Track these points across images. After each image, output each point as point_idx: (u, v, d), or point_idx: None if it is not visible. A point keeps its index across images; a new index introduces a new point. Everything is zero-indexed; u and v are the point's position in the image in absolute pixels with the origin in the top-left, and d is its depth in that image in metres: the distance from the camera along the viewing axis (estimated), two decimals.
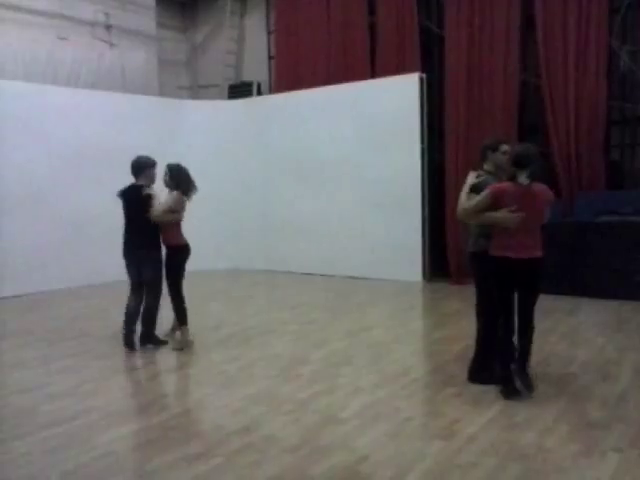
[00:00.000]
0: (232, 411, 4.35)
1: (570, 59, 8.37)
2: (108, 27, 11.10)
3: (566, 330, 6.11)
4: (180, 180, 5.88)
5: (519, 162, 4.26)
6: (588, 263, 7.75)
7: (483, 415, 4.07)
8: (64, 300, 8.64)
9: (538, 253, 4.35)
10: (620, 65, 8.18)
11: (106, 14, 11.04)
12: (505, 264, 4.31)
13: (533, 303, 4.42)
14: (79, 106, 9.62)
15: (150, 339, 6.00)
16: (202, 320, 7.15)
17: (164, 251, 5.91)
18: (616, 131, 8.74)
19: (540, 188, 4.35)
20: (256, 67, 12.20)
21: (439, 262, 9.58)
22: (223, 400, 4.59)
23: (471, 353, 4.91)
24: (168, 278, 5.92)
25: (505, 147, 4.67)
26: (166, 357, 5.66)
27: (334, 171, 10.08)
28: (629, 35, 8.33)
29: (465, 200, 4.46)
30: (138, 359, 5.56)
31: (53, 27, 10.33)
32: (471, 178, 4.57)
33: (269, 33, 11.94)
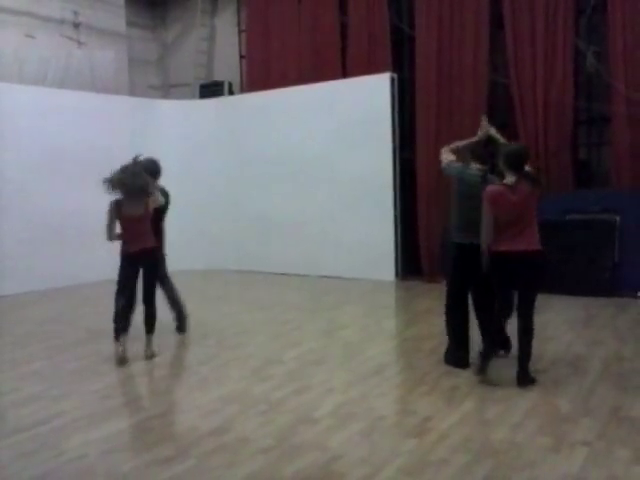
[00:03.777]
0: (205, 412, 4.33)
1: (538, 59, 8.50)
2: (76, 25, 10.92)
3: (536, 326, 6.18)
4: None
5: (513, 164, 4.43)
6: (557, 260, 7.87)
7: (455, 412, 4.11)
8: (36, 302, 8.49)
9: (535, 246, 4.50)
10: (586, 65, 8.32)
11: (74, 12, 10.86)
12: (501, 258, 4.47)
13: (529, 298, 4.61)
14: (47, 105, 9.45)
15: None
16: (173, 321, 7.09)
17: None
18: (583, 131, 8.90)
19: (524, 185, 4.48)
20: (227, 66, 12.12)
21: (412, 261, 9.64)
22: (196, 401, 4.56)
23: (442, 349, 4.98)
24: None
25: None
26: (138, 359, 5.59)
27: (306, 171, 10.07)
28: (594, 36, 8.49)
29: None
30: (110, 362, 5.48)
31: (19, 25, 10.13)
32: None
33: (240, 32, 11.87)
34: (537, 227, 4.54)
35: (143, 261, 5.52)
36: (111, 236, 5.41)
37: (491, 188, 4.49)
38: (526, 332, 4.62)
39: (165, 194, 6.00)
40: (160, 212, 5.96)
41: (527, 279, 4.54)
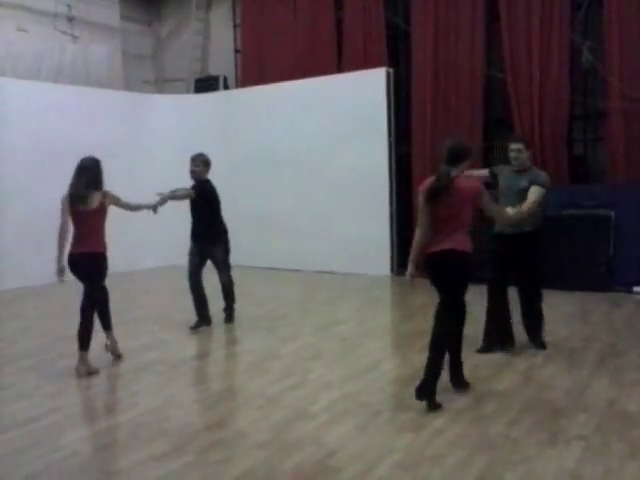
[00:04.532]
0: (202, 408, 4.32)
1: (534, 54, 8.50)
2: (70, 19, 10.86)
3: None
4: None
5: (454, 158, 4.16)
6: (553, 255, 7.88)
7: (451, 407, 4.11)
8: (31, 297, 8.45)
9: (452, 245, 4.14)
10: (582, 61, 8.32)
11: (68, 6, 10.79)
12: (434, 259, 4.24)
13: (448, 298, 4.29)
14: (40, 100, 9.40)
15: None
16: (171, 316, 7.08)
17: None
18: (578, 126, 8.90)
19: (465, 184, 4.15)
20: (222, 61, 12.08)
21: (407, 256, 9.59)
22: (193, 397, 4.55)
23: None
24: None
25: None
26: (133, 355, 5.57)
27: (302, 165, 10.06)
28: (590, 31, 8.48)
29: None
30: (104, 358, 5.46)
31: (12, 18, 10.06)
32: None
33: (235, 26, 11.83)
34: (467, 231, 4.20)
35: (82, 265, 5.04)
36: (62, 233, 5.02)
37: (427, 181, 4.26)
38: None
39: (203, 188, 6.25)
40: (206, 205, 6.26)
41: (444, 280, 4.25)
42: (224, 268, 6.61)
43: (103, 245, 5.18)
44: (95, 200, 5.05)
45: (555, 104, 8.43)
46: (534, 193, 5.00)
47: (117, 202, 5.26)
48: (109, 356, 5.42)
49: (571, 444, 3.52)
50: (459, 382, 4.43)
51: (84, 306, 5.09)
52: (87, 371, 5.00)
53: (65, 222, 5.05)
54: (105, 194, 5.14)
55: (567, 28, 8.37)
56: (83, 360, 5.00)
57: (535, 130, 8.50)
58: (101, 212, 5.12)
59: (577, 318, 6.59)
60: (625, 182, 7.96)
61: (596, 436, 3.62)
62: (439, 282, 4.31)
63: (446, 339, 4.28)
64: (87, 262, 5.06)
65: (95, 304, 5.18)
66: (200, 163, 6.41)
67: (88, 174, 5.08)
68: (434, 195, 4.11)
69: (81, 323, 5.04)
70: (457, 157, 4.18)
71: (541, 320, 5.46)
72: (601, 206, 7.83)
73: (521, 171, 5.19)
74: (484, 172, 5.49)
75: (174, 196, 6.15)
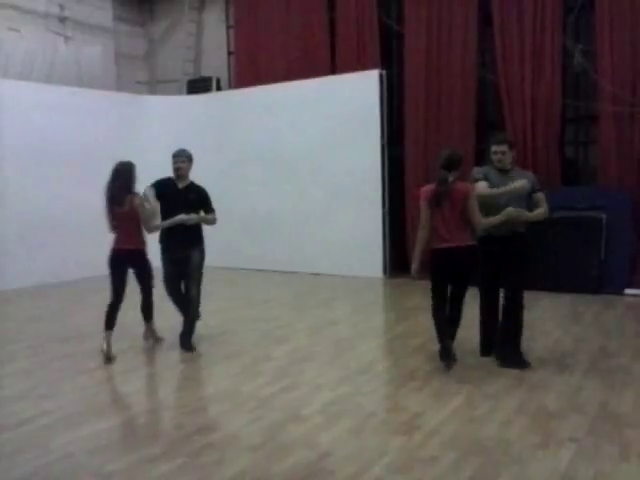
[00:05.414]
0: (194, 410, 4.30)
1: (526, 57, 8.54)
2: (62, 19, 10.82)
3: (524, 323, 6.21)
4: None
5: (450, 165, 4.70)
6: (545, 257, 7.91)
7: (444, 409, 4.12)
8: (19, 300, 8.40)
9: (463, 242, 4.75)
10: (574, 64, 8.36)
11: (60, 6, 10.75)
12: (442, 255, 4.75)
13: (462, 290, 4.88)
14: (32, 100, 9.35)
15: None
16: (162, 319, 7.04)
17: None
18: (570, 129, 8.94)
19: (459, 185, 4.73)
20: (215, 62, 12.06)
21: (400, 258, 9.64)
22: (184, 399, 4.54)
23: (431, 346, 5.00)
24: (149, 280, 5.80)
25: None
26: (125, 357, 5.55)
27: (294, 167, 10.05)
28: (582, 34, 8.53)
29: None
30: (96, 360, 5.43)
31: (4, 18, 10.00)
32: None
33: (228, 28, 11.82)
34: (466, 227, 4.80)
35: (129, 261, 5.55)
36: (110, 228, 5.54)
37: (428, 187, 4.81)
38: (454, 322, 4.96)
39: (205, 194, 6.03)
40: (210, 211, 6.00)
41: (461, 273, 4.83)
42: (197, 278, 5.99)
43: (142, 243, 5.59)
44: (127, 202, 5.40)
45: (547, 107, 8.47)
46: (544, 201, 5.06)
47: (138, 207, 5.45)
48: (104, 355, 5.40)
49: (563, 446, 3.53)
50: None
51: (148, 287, 5.77)
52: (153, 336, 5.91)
53: (110, 223, 5.51)
54: (133, 196, 5.44)
55: (559, 31, 8.41)
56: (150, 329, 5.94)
57: (527, 132, 8.53)
58: (134, 213, 5.43)
59: (569, 320, 6.62)
60: (617, 185, 8.00)
61: (588, 438, 3.63)
62: (456, 274, 4.80)
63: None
64: (128, 258, 5.52)
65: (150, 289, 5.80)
66: (185, 159, 6.06)
67: (119, 178, 5.44)
68: (438, 198, 4.66)
69: (149, 297, 5.84)
70: (453, 164, 4.72)
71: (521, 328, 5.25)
72: (593, 208, 7.86)
73: (506, 170, 5.08)
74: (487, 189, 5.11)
75: (204, 220, 6.02)
